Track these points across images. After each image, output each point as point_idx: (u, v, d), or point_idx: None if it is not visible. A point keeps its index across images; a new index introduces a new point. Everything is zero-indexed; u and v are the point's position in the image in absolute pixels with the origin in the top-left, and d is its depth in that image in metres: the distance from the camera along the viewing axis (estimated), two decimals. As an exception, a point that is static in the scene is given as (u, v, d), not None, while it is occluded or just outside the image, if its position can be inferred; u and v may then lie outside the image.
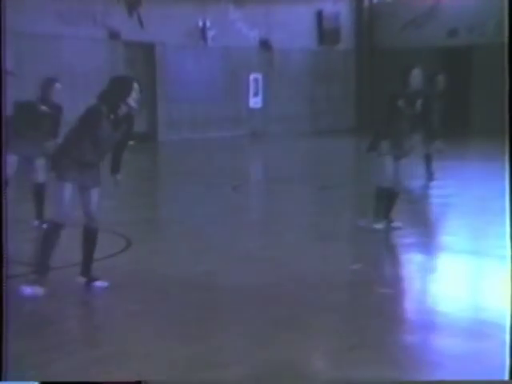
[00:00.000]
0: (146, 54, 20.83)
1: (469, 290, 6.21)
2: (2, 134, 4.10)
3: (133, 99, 5.71)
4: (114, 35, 19.73)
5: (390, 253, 7.85)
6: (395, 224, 8.24)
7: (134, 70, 20.65)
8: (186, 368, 4.37)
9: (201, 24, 21.55)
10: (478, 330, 5.02)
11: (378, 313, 5.45)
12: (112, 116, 5.71)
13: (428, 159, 12.00)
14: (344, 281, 6.43)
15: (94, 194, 5.95)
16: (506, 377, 3.80)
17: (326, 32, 24.84)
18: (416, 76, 7.99)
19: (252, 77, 23.26)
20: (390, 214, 8.27)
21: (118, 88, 5.72)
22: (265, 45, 23.25)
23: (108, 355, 4.56)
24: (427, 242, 7.87)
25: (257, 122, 23.26)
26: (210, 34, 21.69)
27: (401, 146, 8.05)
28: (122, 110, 5.72)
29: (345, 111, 25.60)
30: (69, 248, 6.37)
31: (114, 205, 9.50)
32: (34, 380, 4.09)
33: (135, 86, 5.72)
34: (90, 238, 6.02)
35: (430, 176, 11.93)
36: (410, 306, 5.77)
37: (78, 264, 6.10)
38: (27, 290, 5.71)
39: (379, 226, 8.11)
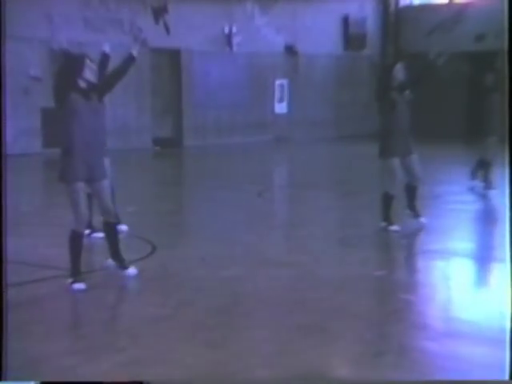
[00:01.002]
0: (171, 61, 20.95)
1: (493, 298, 6.17)
2: (1, 134, 4.13)
3: (87, 74, 6.05)
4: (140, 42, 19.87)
5: (414, 259, 7.83)
6: (422, 220, 8.56)
7: (160, 76, 20.81)
8: (210, 372, 4.40)
9: (227, 30, 21.63)
10: (502, 338, 4.98)
11: (402, 319, 5.45)
12: (75, 90, 6.00)
13: (484, 164, 11.35)
14: (368, 287, 6.43)
15: (105, 187, 6.12)
16: (507, 377, 3.79)
17: (351, 37, 24.80)
18: (399, 69, 8.45)
19: (277, 82, 23.28)
20: (416, 209, 8.61)
21: (70, 64, 6.16)
22: (290, 50, 23.26)
23: (132, 360, 4.60)
24: (451, 249, 7.83)
25: (282, 127, 23.27)
26: (236, 40, 21.76)
27: (406, 144, 8.38)
28: (81, 84, 6.03)
29: (370, 117, 25.46)
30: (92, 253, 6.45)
31: (139, 210, 9.57)
32: (34, 380, 4.13)
33: (88, 62, 6.09)
34: (111, 233, 6.30)
35: (488, 184, 11.26)
36: (433, 312, 5.75)
37: (101, 270, 6.17)
38: (75, 285, 6.00)
39: (395, 228, 8.34)
